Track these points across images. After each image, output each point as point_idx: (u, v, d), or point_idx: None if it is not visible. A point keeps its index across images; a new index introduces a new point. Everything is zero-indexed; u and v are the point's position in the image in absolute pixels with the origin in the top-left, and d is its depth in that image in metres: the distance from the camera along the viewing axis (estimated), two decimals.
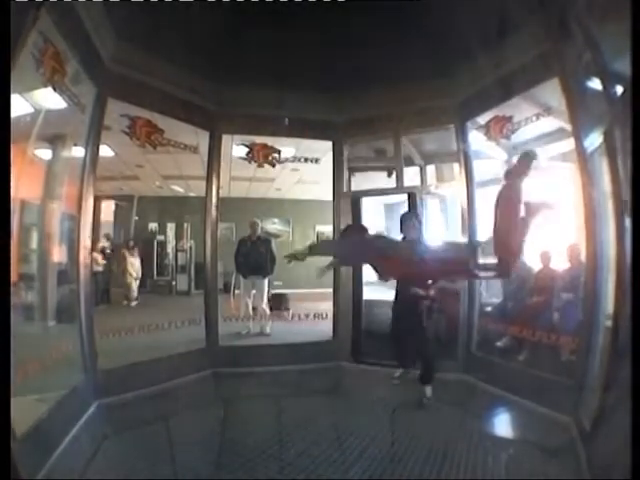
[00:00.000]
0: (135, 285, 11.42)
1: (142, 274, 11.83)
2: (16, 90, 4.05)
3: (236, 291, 11.79)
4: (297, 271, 14.46)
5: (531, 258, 6.92)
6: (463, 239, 6.90)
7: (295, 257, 5.54)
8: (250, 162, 7.96)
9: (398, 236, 6.44)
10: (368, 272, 6.96)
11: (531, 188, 4.53)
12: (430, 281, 6.18)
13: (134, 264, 11.48)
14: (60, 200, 5.80)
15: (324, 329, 7.78)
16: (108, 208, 11.88)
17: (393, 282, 6.57)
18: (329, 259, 5.98)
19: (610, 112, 4.15)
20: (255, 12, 5.19)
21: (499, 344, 6.54)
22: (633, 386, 2.82)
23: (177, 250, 13.62)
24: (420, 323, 6.18)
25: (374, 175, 9.06)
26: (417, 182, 8.90)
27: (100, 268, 10.10)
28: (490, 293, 7.39)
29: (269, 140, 7.95)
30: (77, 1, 4.75)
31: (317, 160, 8.49)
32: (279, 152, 8.04)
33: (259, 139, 7.90)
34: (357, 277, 8.03)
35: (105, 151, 6.78)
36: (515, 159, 6.61)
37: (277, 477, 4.64)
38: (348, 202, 8.03)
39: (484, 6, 5.07)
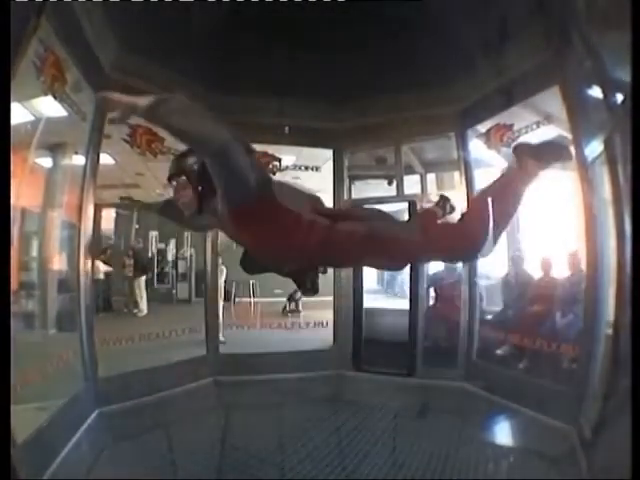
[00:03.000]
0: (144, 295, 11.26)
1: None
2: (16, 98, 4.06)
3: (236, 299, 11.79)
4: None
5: (532, 266, 6.92)
6: None
7: None
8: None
9: None
10: (369, 280, 6.92)
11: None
12: None
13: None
14: (61, 208, 5.80)
15: (324, 337, 7.77)
16: (108, 216, 11.86)
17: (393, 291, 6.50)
18: None
19: (611, 120, 4.15)
20: (255, 19, 5.21)
21: (500, 352, 6.53)
22: (633, 394, 2.81)
23: (177, 258, 13.59)
24: None
25: (374, 183, 9.08)
26: (417, 190, 8.91)
27: (102, 276, 10.08)
28: (491, 301, 7.38)
29: (269, 148, 7.94)
30: (78, 7, 4.77)
31: (318, 168, 8.49)
32: (279, 160, 8.04)
33: (259, 147, 7.89)
34: (357, 285, 8.02)
35: (105, 159, 6.78)
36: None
37: None
38: None
39: (485, 14, 5.09)
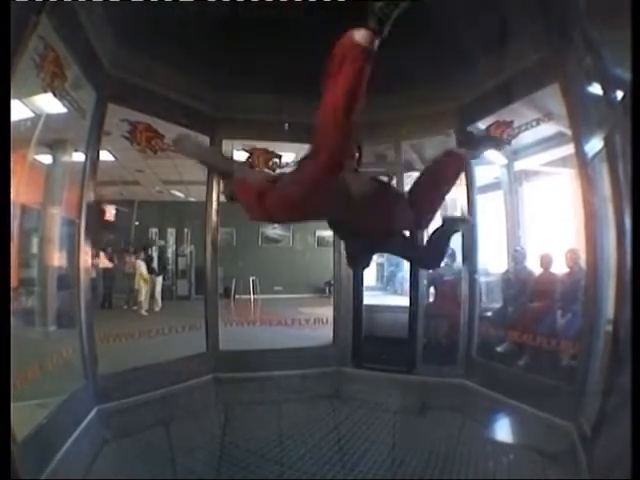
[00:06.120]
0: (144, 291, 11.21)
1: None
2: (16, 95, 4.06)
3: (236, 296, 11.78)
4: (297, 276, 14.42)
5: (531, 262, 6.92)
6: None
7: None
8: (251, 167, 7.94)
9: None
10: (369, 277, 6.92)
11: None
12: None
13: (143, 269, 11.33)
14: (60, 205, 5.80)
15: (324, 334, 7.77)
16: (109, 213, 11.85)
17: (393, 288, 6.49)
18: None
19: (611, 117, 4.15)
20: (254, 17, 5.20)
21: (499, 349, 6.54)
22: (633, 391, 2.81)
23: (177, 255, 13.60)
24: None
25: None
26: None
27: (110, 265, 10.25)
28: (490, 298, 7.38)
29: (269, 145, 7.93)
30: (78, 5, 4.76)
31: None
32: (280, 157, 8.02)
33: (259, 144, 7.89)
34: (357, 281, 8.01)
35: (105, 156, 6.78)
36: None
37: None
38: None
39: (485, 11, 5.07)
